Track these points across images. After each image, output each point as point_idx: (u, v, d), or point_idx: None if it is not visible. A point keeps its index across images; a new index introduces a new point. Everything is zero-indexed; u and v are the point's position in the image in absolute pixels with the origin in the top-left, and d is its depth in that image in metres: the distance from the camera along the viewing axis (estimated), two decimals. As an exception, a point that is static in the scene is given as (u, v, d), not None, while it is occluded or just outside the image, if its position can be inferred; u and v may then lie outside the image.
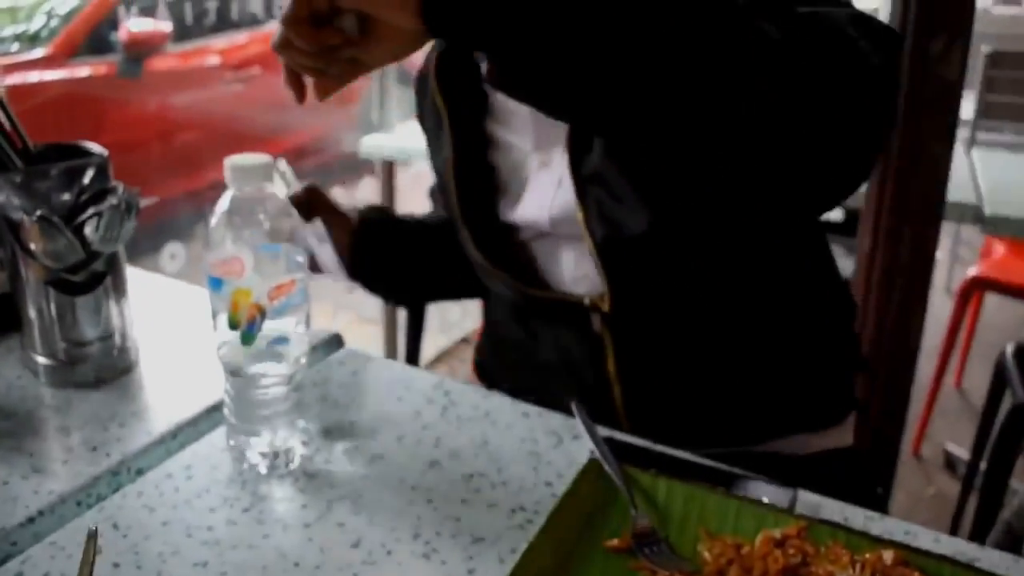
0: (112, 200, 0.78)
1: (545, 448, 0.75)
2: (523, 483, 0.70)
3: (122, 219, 0.79)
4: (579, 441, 0.75)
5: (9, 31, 3.86)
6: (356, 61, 0.65)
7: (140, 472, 0.72)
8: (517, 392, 0.87)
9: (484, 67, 0.61)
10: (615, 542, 0.62)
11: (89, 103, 3.78)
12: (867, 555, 0.59)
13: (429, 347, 2.79)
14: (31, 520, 0.65)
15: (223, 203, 0.65)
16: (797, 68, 0.59)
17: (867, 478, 0.97)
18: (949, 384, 2.79)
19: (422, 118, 1.03)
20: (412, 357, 1.39)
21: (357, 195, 4.35)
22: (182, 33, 3.93)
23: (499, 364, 1.06)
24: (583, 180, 0.82)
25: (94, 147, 0.84)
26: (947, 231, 3.75)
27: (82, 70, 3.81)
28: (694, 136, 0.61)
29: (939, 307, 2.71)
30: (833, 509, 0.67)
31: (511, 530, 0.64)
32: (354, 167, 4.12)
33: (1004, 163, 2.36)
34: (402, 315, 1.48)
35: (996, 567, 0.58)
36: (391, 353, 2.26)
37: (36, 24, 3.98)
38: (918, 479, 2.38)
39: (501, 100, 0.90)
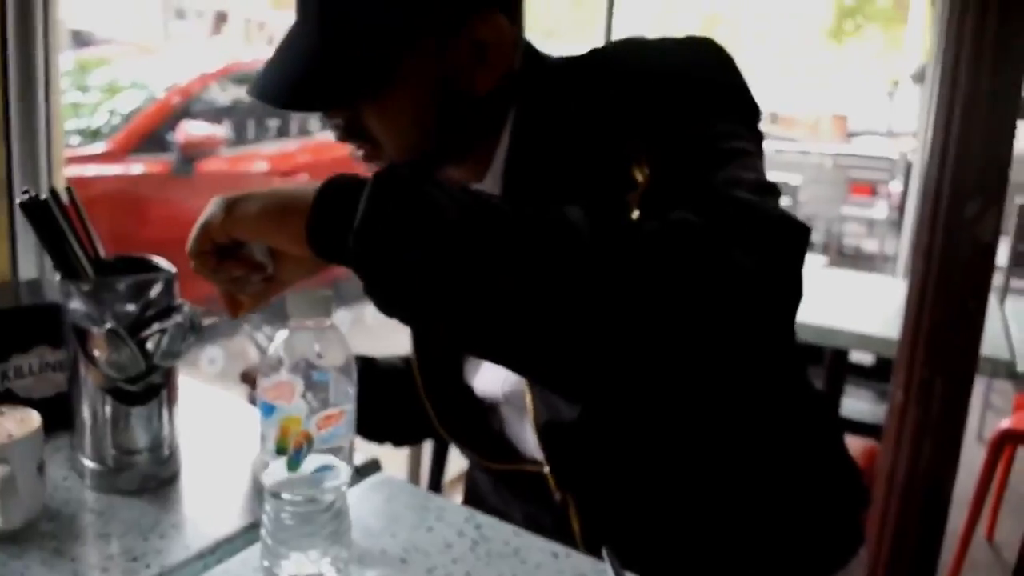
0: (177, 318, 0.82)
1: (573, 591, 0.75)
2: (550, 627, 0.70)
3: (185, 336, 0.82)
4: (607, 585, 0.75)
5: (72, 125, 4.06)
6: (271, 279, 0.73)
7: None
8: None
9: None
10: None
11: (141, 198, 3.93)
12: None
13: (453, 466, 2.77)
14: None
15: (282, 332, 0.68)
16: (649, 285, 0.58)
17: None
18: (980, 536, 2.71)
19: None
20: (436, 481, 1.40)
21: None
22: (237, 138, 4.11)
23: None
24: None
25: (162, 262, 0.89)
26: (980, 379, 3.72)
27: (137, 166, 3.98)
28: (566, 362, 0.61)
29: (971, 455, 2.65)
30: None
31: None
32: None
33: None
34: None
35: None
36: (415, 469, 2.27)
37: (98, 120, 4.19)
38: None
39: None
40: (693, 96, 0.73)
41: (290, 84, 0.74)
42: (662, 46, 0.78)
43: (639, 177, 0.71)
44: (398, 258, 0.58)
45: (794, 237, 0.62)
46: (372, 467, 0.95)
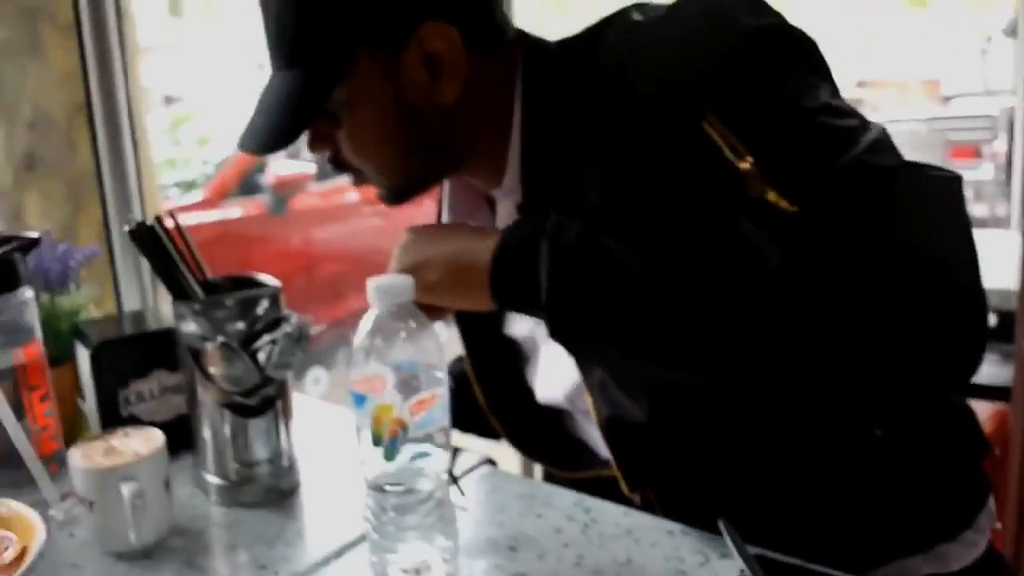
0: (287, 328, 0.85)
1: (692, 566, 0.74)
2: (671, 603, 0.69)
3: (295, 346, 0.85)
4: (727, 560, 0.74)
5: (170, 179, 4.28)
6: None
7: None
8: None
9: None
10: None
11: (241, 239, 4.11)
12: None
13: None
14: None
15: (366, 322, 0.69)
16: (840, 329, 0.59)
17: None
18: None
19: None
20: (550, 473, 1.38)
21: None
22: (324, 172, 4.24)
23: None
24: (583, 362, 0.82)
25: (267, 278, 0.93)
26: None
27: (234, 210, 4.16)
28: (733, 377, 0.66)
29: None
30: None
31: (661, 652, 0.63)
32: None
33: None
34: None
35: None
36: (528, 467, 2.27)
37: (192, 172, 4.40)
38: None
39: None
40: (745, 55, 0.68)
41: (262, 129, 0.77)
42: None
43: (734, 158, 0.65)
44: (590, 311, 0.66)
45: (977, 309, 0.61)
46: (488, 463, 0.95)
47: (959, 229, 0.62)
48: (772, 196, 0.64)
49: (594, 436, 0.91)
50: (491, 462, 0.95)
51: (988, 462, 0.90)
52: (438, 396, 0.70)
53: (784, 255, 0.60)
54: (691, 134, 0.67)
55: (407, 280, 0.70)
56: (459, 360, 1.07)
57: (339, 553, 0.80)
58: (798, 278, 0.60)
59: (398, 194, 0.83)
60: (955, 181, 0.64)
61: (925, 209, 0.63)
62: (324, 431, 1.08)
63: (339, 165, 0.82)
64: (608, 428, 0.83)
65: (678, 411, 0.80)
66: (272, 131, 0.76)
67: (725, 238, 0.63)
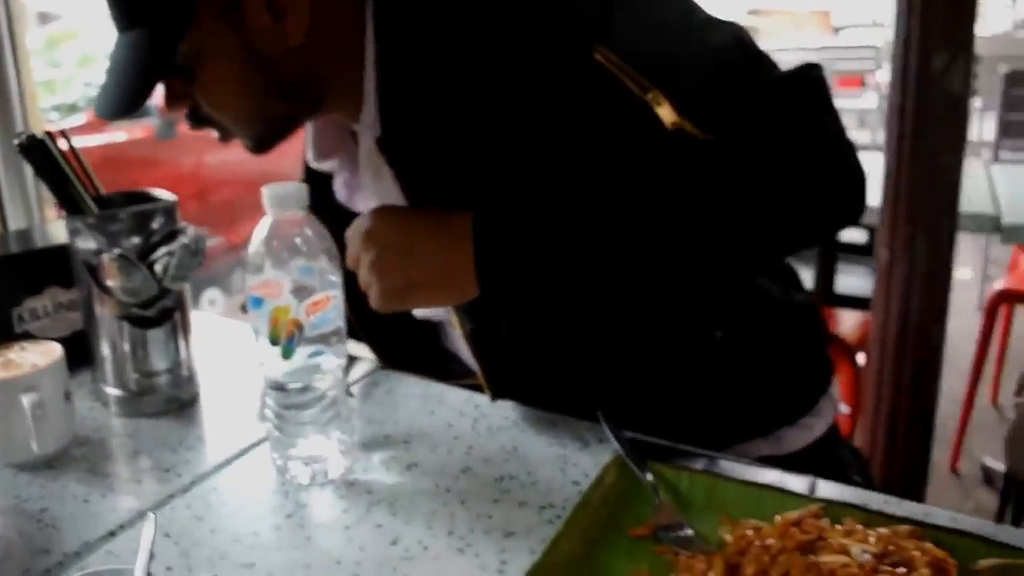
0: (183, 240, 0.87)
1: (572, 451, 0.81)
2: (551, 483, 0.76)
3: (191, 258, 0.87)
4: (604, 444, 0.81)
5: (48, 103, 4.05)
6: None
7: (187, 488, 0.78)
8: None
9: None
10: (639, 529, 0.67)
11: (128, 164, 3.95)
12: (881, 530, 0.63)
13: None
14: (112, 534, 0.72)
15: (261, 229, 0.72)
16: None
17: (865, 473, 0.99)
18: (987, 401, 2.79)
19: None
20: None
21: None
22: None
23: None
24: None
25: (162, 193, 0.93)
26: (976, 249, 3.76)
27: (120, 134, 3.99)
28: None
29: (971, 326, 2.72)
30: (851, 495, 0.71)
31: (541, 525, 0.70)
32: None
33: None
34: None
35: (1011, 540, 0.61)
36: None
37: (73, 94, 4.18)
38: (957, 494, 2.38)
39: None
40: None
41: (113, 93, 0.76)
42: None
43: (637, 89, 0.70)
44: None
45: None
46: (376, 365, 1.00)
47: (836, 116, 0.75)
48: (688, 127, 0.70)
49: (463, 348, 0.93)
50: (380, 363, 1.00)
51: (834, 351, 0.99)
52: (332, 298, 0.73)
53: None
54: (582, 64, 0.70)
55: (300, 186, 0.72)
56: None
57: (240, 454, 0.84)
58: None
59: (262, 142, 0.82)
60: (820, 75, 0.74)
61: (820, 107, 0.75)
62: (221, 344, 1.11)
63: (199, 120, 0.80)
64: (472, 340, 0.86)
65: (539, 325, 0.84)
66: (123, 94, 0.75)
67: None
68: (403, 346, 0.99)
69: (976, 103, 5.27)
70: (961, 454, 2.49)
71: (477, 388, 0.91)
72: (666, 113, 0.70)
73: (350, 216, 0.80)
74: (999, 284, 2.42)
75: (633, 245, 0.71)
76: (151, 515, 0.62)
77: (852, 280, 2.23)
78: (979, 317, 3.07)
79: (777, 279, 0.95)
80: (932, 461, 1.74)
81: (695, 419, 0.87)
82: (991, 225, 1.93)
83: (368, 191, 0.85)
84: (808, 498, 0.68)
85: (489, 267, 0.71)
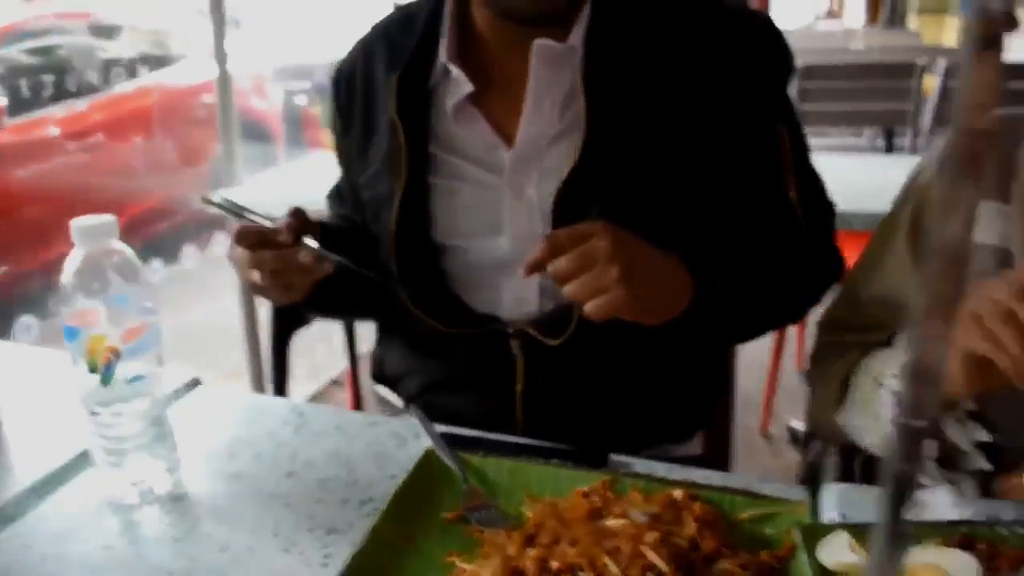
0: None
1: (390, 448, 0.86)
2: (371, 480, 0.81)
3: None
4: (420, 439, 0.86)
5: None
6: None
7: (12, 519, 0.77)
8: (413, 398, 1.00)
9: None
10: (451, 514, 0.74)
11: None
12: (659, 495, 0.72)
13: (298, 393, 2.80)
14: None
15: (73, 261, 0.73)
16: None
17: None
18: (793, 368, 3.05)
19: (345, 126, 1.04)
20: (280, 388, 1.42)
21: (213, 252, 4.37)
22: (18, 106, 3.84)
23: (399, 367, 1.08)
24: (561, 215, 0.89)
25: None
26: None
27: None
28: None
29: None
30: (642, 466, 0.81)
31: (361, 519, 0.75)
32: (208, 225, 4.14)
33: (824, 163, 2.63)
34: (267, 366, 1.52)
35: (772, 492, 0.72)
36: (259, 385, 2.33)
37: None
38: (768, 455, 2.60)
39: (456, 132, 0.95)
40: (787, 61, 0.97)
41: None
42: None
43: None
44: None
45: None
46: (193, 384, 1.01)
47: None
48: (793, 195, 0.94)
49: (497, 292, 0.96)
50: (197, 382, 1.01)
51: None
52: (148, 324, 0.75)
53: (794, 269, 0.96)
54: (769, 95, 0.94)
55: (109, 218, 0.74)
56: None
57: (47, 481, 0.82)
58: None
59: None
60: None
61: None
62: (35, 375, 1.08)
63: None
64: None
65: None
66: None
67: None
68: (429, 287, 0.99)
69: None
70: (771, 418, 2.72)
71: (488, 338, 0.96)
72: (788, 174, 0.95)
73: (429, 130, 0.94)
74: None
75: (749, 295, 0.92)
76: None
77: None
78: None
79: None
80: (740, 425, 1.91)
81: (608, 421, 0.98)
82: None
83: (498, 111, 0.94)
84: (599, 472, 0.77)
85: (698, 300, 0.84)
